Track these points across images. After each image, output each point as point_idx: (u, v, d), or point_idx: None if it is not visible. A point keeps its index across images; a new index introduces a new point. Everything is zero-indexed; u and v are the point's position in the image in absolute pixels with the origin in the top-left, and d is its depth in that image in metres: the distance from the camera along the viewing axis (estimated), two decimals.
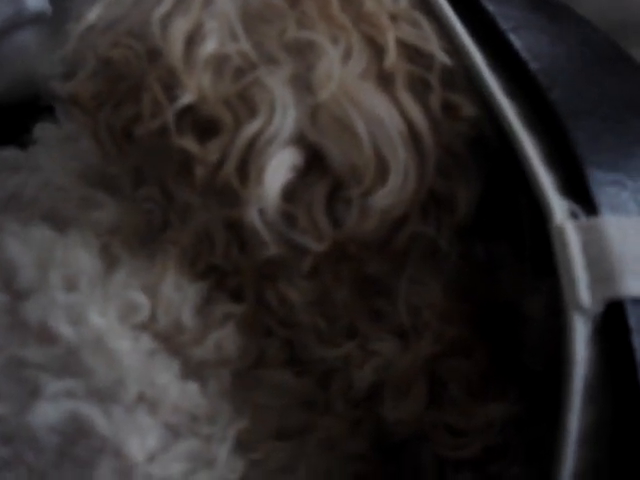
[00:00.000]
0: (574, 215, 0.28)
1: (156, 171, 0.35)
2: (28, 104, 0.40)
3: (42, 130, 0.39)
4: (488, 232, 0.34)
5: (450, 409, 0.33)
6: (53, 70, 0.39)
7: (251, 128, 0.32)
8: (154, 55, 0.34)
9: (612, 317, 0.27)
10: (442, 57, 0.33)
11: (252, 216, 0.32)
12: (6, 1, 0.45)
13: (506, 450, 0.34)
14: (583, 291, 0.27)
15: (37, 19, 0.47)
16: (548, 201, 0.29)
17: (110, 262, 0.34)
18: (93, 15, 0.36)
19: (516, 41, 0.34)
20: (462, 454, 0.34)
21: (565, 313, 0.27)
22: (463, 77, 0.33)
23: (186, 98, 0.33)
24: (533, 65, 0.33)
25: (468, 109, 0.33)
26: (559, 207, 0.29)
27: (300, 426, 0.34)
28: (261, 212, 0.32)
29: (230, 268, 0.34)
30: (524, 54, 0.33)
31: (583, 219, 0.28)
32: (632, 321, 0.27)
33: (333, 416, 0.34)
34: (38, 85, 0.41)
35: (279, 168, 0.32)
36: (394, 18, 0.34)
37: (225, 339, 0.33)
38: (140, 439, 0.31)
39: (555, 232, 0.28)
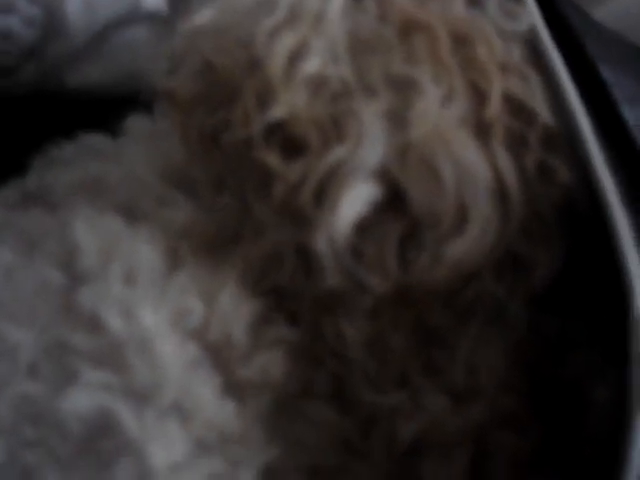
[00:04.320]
0: None
1: (237, 181, 0.35)
2: (130, 100, 0.40)
3: (133, 122, 0.39)
4: (564, 307, 0.33)
5: None
6: (158, 67, 0.39)
7: (336, 154, 0.31)
8: (255, 66, 0.34)
9: None
10: (546, 116, 0.32)
11: (320, 243, 0.31)
12: None
13: None
14: None
15: (151, 18, 0.47)
16: (635, 290, 0.27)
17: (173, 264, 0.34)
18: (205, 17, 0.36)
19: (628, 114, 0.32)
20: None
21: (630, 411, 0.26)
22: (563, 140, 0.32)
23: (277, 112, 0.32)
24: None
25: (564, 174, 0.32)
26: None
27: (333, 467, 0.33)
28: (330, 241, 0.31)
29: (293, 292, 0.33)
30: (634, 131, 0.32)
31: None
32: None
33: (369, 464, 0.33)
34: (142, 82, 0.41)
35: (356, 199, 0.31)
36: (504, 68, 0.33)
37: (272, 363, 0.33)
38: (166, 447, 0.31)
39: (634, 324, 0.26)
